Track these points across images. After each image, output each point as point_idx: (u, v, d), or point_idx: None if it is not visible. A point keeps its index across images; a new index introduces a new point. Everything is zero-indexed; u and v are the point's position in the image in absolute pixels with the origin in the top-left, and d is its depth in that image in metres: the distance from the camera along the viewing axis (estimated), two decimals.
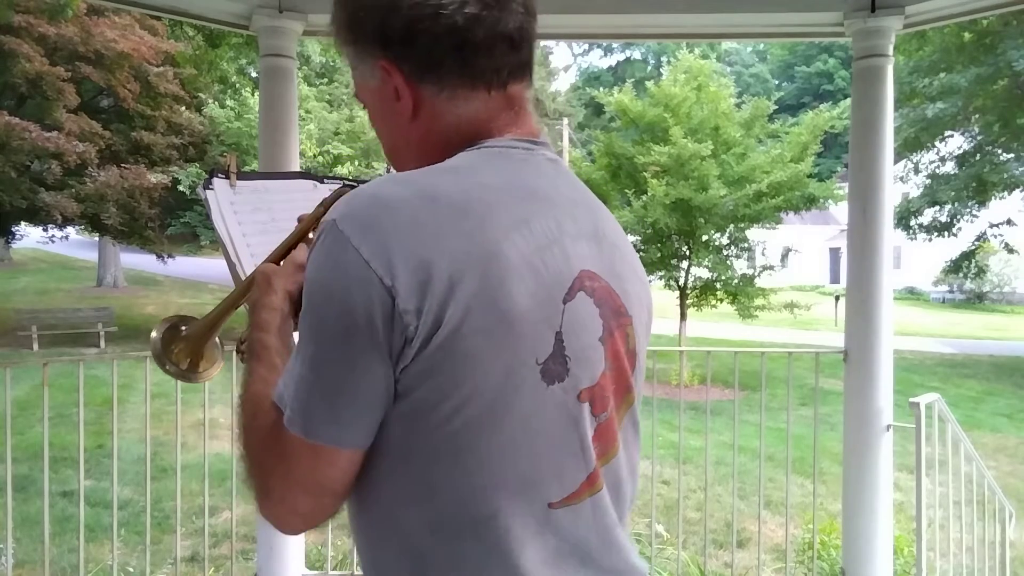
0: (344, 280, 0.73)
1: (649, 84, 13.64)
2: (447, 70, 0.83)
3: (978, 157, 16.07)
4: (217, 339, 1.07)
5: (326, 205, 0.96)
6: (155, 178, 15.74)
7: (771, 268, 13.58)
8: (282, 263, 0.96)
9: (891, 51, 3.02)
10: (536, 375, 0.77)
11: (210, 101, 17.33)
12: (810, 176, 12.87)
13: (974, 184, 15.63)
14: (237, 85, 16.48)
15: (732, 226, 12.66)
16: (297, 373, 0.77)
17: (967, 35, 13.81)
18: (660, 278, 13.25)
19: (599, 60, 54.22)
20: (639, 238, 12.98)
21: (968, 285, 27.42)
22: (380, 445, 0.78)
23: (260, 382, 0.83)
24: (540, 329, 0.77)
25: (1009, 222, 17.23)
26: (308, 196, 1.13)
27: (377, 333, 0.72)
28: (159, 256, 18.50)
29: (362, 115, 18.58)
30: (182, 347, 1.05)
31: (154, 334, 1.04)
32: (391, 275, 0.72)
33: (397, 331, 0.72)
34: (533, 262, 0.77)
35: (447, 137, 0.85)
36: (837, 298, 18.98)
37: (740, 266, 13.16)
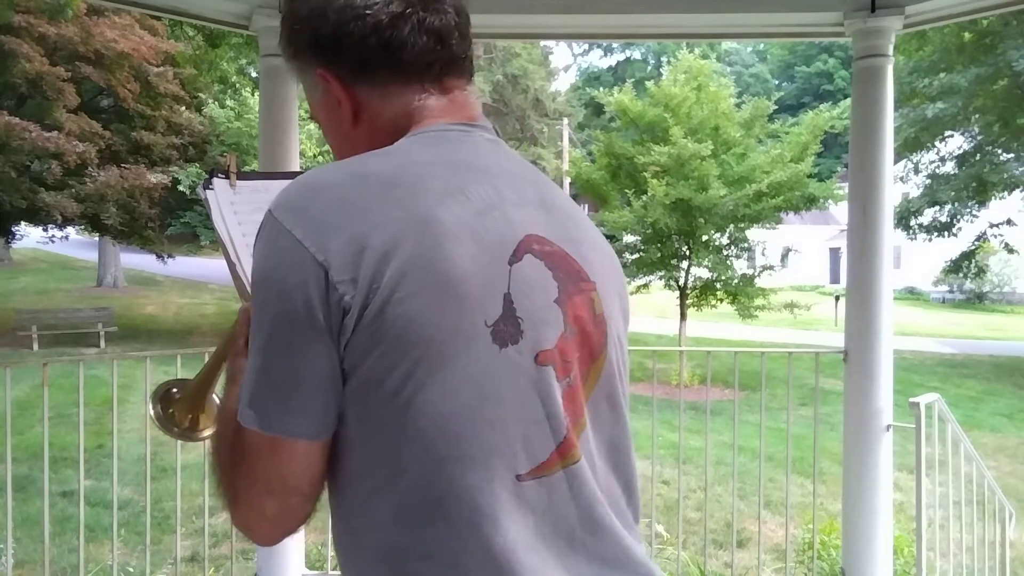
0: (280, 264, 0.74)
1: (649, 84, 13.64)
2: (377, 69, 0.85)
3: (978, 157, 16.08)
4: (215, 396, 1.07)
5: None
6: (155, 178, 15.73)
7: (771, 268, 13.58)
8: None
9: (891, 51, 3.02)
10: (487, 337, 0.75)
11: (210, 101, 17.33)
12: (810, 176, 12.87)
13: (974, 184, 15.63)
14: (237, 85, 16.49)
15: (732, 226, 12.66)
16: (248, 366, 0.77)
17: (967, 35, 13.81)
18: (660, 278, 13.25)
19: (599, 60, 54.25)
20: (639, 238, 12.99)
21: (968, 285, 27.42)
22: (340, 435, 0.77)
23: (233, 398, 0.83)
24: (486, 291, 0.76)
25: (1009, 222, 17.23)
26: None
27: (315, 311, 0.72)
28: (159, 256, 18.51)
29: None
30: (180, 409, 1.07)
31: (151, 410, 1.06)
32: (324, 251, 0.72)
33: (333, 304, 0.72)
34: (472, 225, 0.77)
35: (387, 134, 0.86)
36: (837, 298, 18.98)
37: (740, 266, 13.17)
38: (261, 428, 0.75)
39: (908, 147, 16.22)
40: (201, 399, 1.07)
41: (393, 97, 0.86)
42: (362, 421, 0.76)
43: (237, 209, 1.11)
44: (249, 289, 0.98)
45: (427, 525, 0.75)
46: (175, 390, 1.08)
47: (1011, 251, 17.90)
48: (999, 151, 15.96)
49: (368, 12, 0.83)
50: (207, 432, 1.06)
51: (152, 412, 1.05)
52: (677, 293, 13.00)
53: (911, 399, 2.98)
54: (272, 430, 0.75)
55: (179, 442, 3.41)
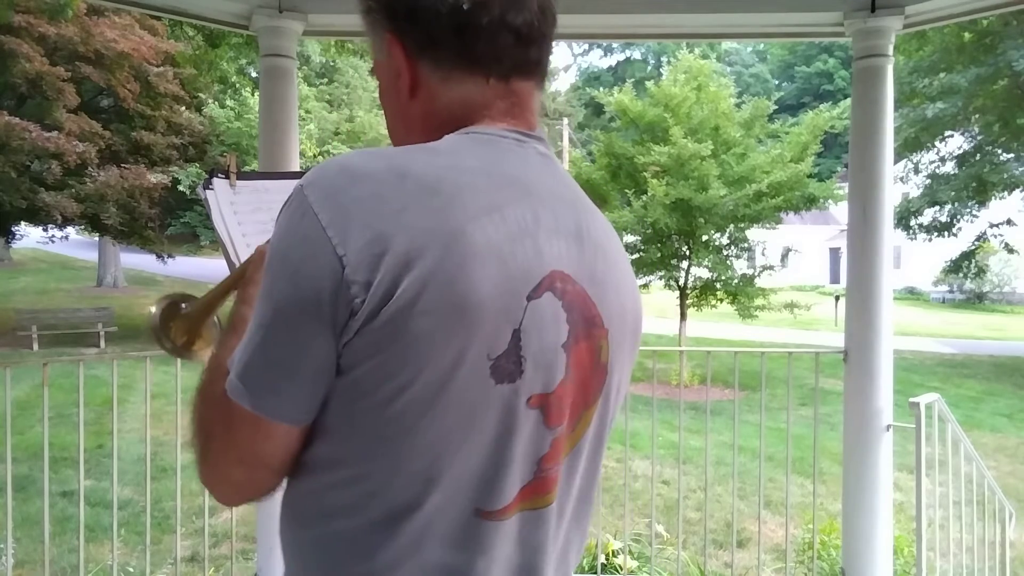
0: (299, 245, 0.72)
1: (649, 84, 13.64)
2: (445, 51, 0.82)
3: (978, 157, 16.08)
4: (216, 319, 1.06)
5: None
6: (155, 178, 15.73)
7: (771, 268, 13.58)
8: None
9: (891, 51, 3.02)
10: (486, 370, 0.73)
11: (210, 101, 17.35)
12: (810, 176, 12.87)
13: (974, 184, 15.63)
14: (237, 85, 16.48)
15: (732, 226, 12.66)
16: (246, 337, 0.76)
17: (967, 35, 13.81)
18: (660, 278, 13.25)
19: (599, 60, 54.26)
20: (639, 238, 12.98)
21: (968, 285, 27.42)
22: (318, 422, 0.76)
23: (228, 350, 0.81)
24: (498, 322, 0.73)
25: (1009, 222, 17.23)
26: None
27: (323, 303, 0.70)
28: (159, 256, 18.51)
29: (362, 115, 18.60)
30: (180, 325, 1.05)
31: (153, 309, 1.04)
32: (344, 244, 0.70)
33: (342, 302, 0.70)
34: (501, 250, 0.74)
35: (441, 119, 0.84)
36: (837, 298, 18.99)
37: (740, 266, 13.16)
38: (246, 404, 0.75)
39: (908, 147, 16.22)
40: (200, 323, 1.06)
41: (454, 83, 0.83)
42: (343, 416, 0.75)
43: (237, 209, 1.11)
44: None
45: (376, 531, 0.75)
46: (184, 305, 1.06)
47: (1011, 251, 17.90)
48: (999, 151, 15.96)
49: None
50: (196, 355, 1.05)
51: (151, 321, 1.03)
52: (677, 293, 13.00)
53: (911, 399, 2.98)
54: (257, 408, 0.74)
55: (179, 440, 3.42)
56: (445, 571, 0.76)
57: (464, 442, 0.74)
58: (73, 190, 14.84)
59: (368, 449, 0.74)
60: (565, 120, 28.01)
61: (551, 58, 0.89)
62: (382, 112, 0.95)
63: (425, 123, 0.85)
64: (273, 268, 0.74)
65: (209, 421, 0.80)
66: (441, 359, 0.71)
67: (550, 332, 0.77)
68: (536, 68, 0.86)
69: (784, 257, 15.57)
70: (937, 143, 16.68)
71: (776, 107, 13.60)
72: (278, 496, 0.83)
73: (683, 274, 12.81)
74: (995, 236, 17.51)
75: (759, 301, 12.67)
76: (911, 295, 29.47)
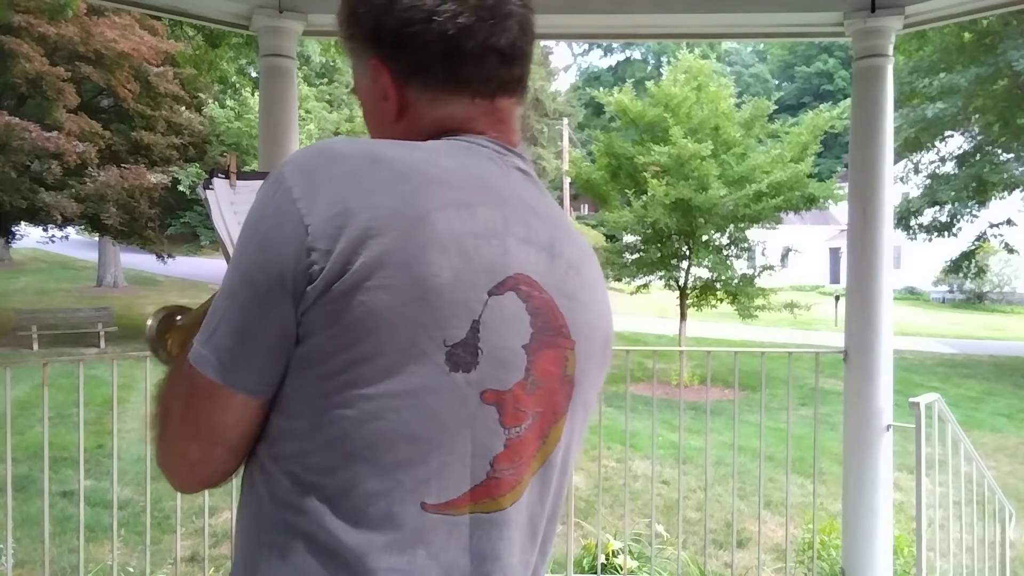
0: (270, 216, 0.74)
1: (649, 84, 13.63)
2: (434, 76, 0.84)
3: (978, 157, 16.07)
4: None
5: None
6: (155, 178, 15.74)
7: (771, 268, 13.58)
8: None
9: (891, 51, 3.02)
10: (441, 355, 0.73)
11: (210, 101, 17.36)
12: (810, 176, 12.86)
13: (974, 184, 15.62)
14: (237, 85, 16.49)
15: (732, 226, 12.65)
16: (212, 307, 0.77)
17: (967, 35, 13.81)
18: (660, 278, 13.25)
19: (599, 60, 54.31)
20: (639, 238, 12.98)
21: (968, 285, 27.42)
22: (275, 396, 0.76)
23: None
24: (457, 311, 0.74)
25: (1009, 222, 17.23)
26: None
27: (286, 270, 0.71)
28: (159, 256, 18.50)
29: (362, 115, 18.61)
30: (175, 336, 1.06)
31: (150, 321, 1.06)
32: (311, 215, 0.71)
33: (302, 268, 0.71)
34: (463, 243, 0.75)
35: (425, 137, 0.85)
36: (837, 298, 18.98)
37: (740, 266, 13.16)
38: (208, 370, 0.75)
39: (908, 147, 16.22)
40: (194, 334, 1.07)
41: (441, 104, 0.85)
42: (294, 388, 0.75)
43: (237, 209, 1.11)
44: None
45: (318, 508, 0.74)
46: (179, 317, 1.08)
47: (1011, 251, 17.90)
48: (999, 151, 15.95)
49: (436, 18, 0.80)
50: None
51: (148, 334, 1.05)
52: (677, 293, 12.99)
53: (911, 399, 2.98)
54: (218, 375, 0.75)
55: None
56: (382, 559, 0.74)
57: (410, 428, 0.74)
58: (73, 190, 14.84)
59: (312, 421, 0.74)
60: (565, 120, 28.03)
61: (531, 72, 0.91)
62: None
63: (408, 140, 0.86)
64: (244, 237, 0.76)
65: (170, 397, 0.81)
66: (394, 338, 0.72)
67: (511, 330, 0.77)
68: (518, 85, 0.88)
69: (784, 257, 15.57)
70: (937, 143, 16.68)
71: (776, 107, 13.59)
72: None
73: (683, 274, 12.81)
74: (995, 236, 17.51)
75: (759, 301, 12.66)
76: (911, 295, 29.47)
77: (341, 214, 0.71)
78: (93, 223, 16.49)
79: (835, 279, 31.83)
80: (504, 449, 0.78)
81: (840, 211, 24.38)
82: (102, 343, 14.68)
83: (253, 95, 15.60)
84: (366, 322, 0.71)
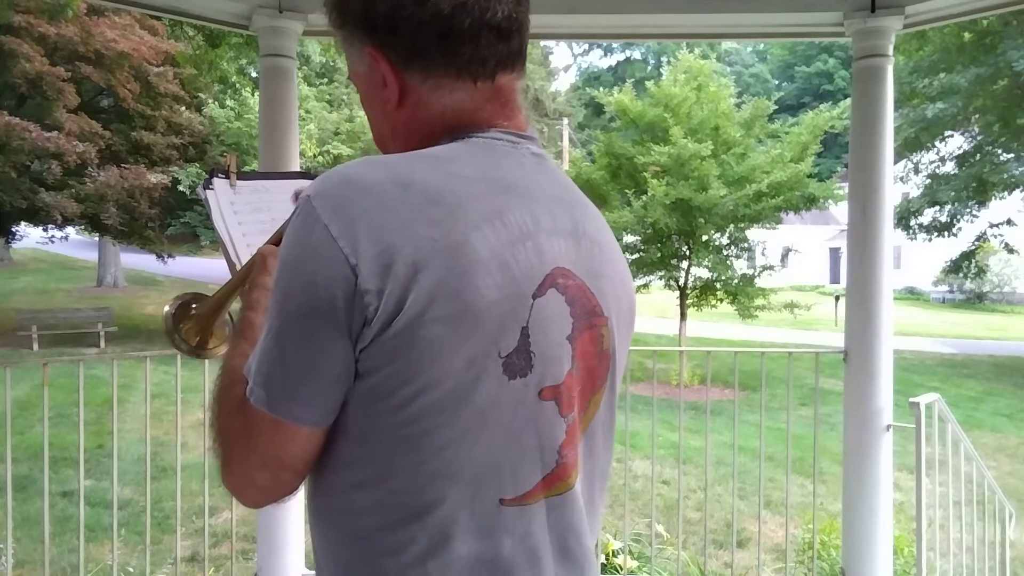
0: (312, 256, 0.73)
1: (649, 84, 13.64)
2: (431, 58, 0.82)
3: (978, 157, 16.07)
4: (228, 316, 1.08)
5: None
6: (155, 178, 15.73)
7: (771, 268, 13.58)
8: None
9: (891, 51, 3.02)
10: (498, 368, 0.76)
11: (210, 101, 17.34)
12: (810, 176, 12.87)
13: (974, 184, 15.62)
14: (237, 85, 16.47)
15: (732, 226, 12.66)
16: (262, 347, 0.77)
17: (967, 35, 13.81)
18: (660, 278, 13.25)
19: (599, 60, 54.29)
20: (639, 238, 12.98)
21: (968, 285, 27.42)
22: (339, 423, 0.78)
23: (240, 356, 0.84)
24: (506, 322, 0.76)
25: (1009, 222, 17.24)
26: None
27: (339, 311, 0.72)
28: (159, 256, 18.51)
29: (362, 115, 18.59)
30: (192, 325, 1.07)
31: (167, 309, 1.06)
32: (356, 254, 0.72)
33: (357, 310, 0.72)
34: (503, 256, 0.77)
35: (431, 126, 0.85)
36: (837, 298, 18.98)
37: (740, 266, 13.16)
38: (269, 410, 0.76)
39: (908, 147, 16.23)
40: (211, 323, 1.07)
41: (443, 90, 0.84)
42: (362, 419, 0.77)
43: (237, 209, 1.11)
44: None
45: (404, 526, 0.77)
46: (194, 305, 1.08)
47: (1011, 251, 17.91)
48: (999, 151, 15.95)
49: None
50: (211, 353, 1.08)
51: (165, 324, 1.06)
52: (677, 293, 13.00)
53: (911, 399, 2.98)
54: (280, 414, 0.76)
55: (179, 441, 3.42)
56: (475, 560, 0.78)
57: (481, 437, 0.77)
58: (73, 190, 14.83)
59: (388, 449, 0.76)
60: (565, 120, 28.01)
61: (528, 43, 0.90)
62: None
63: (411, 129, 0.86)
64: (285, 279, 0.76)
65: (229, 428, 0.82)
66: (453, 363, 0.74)
67: (555, 327, 0.81)
68: (517, 58, 0.87)
69: (784, 257, 15.59)
70: (937, 143, 16.68)
71: (776, 107, 13.59)
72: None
73: (683, 274, 12.81)
74: (995, 236, 17.51)
75: (759, 301, 12.67)
76: (911, 295, 29.47)
77: (385, 252, 0.72)
78: (93, 223, 16.49)
79: (835, 279, 31.83)
80: (566, 436, 0.83)
81: (840, 211, 24.39)
82: (102, 343, 14.68)
83: (253, 95, 15.59)
84: (426, 355, 0.73)
